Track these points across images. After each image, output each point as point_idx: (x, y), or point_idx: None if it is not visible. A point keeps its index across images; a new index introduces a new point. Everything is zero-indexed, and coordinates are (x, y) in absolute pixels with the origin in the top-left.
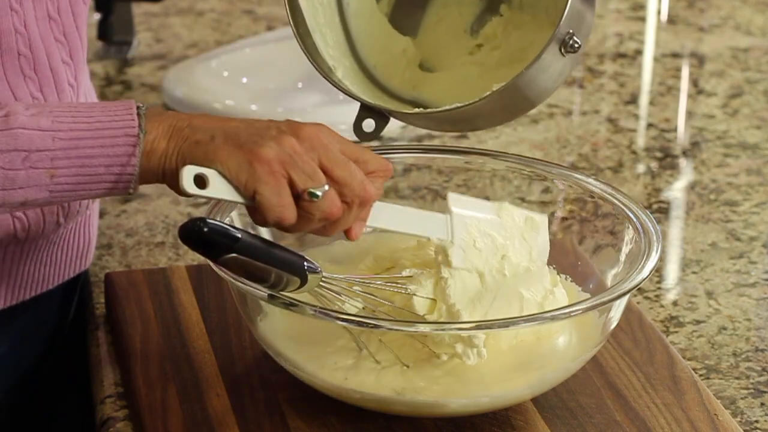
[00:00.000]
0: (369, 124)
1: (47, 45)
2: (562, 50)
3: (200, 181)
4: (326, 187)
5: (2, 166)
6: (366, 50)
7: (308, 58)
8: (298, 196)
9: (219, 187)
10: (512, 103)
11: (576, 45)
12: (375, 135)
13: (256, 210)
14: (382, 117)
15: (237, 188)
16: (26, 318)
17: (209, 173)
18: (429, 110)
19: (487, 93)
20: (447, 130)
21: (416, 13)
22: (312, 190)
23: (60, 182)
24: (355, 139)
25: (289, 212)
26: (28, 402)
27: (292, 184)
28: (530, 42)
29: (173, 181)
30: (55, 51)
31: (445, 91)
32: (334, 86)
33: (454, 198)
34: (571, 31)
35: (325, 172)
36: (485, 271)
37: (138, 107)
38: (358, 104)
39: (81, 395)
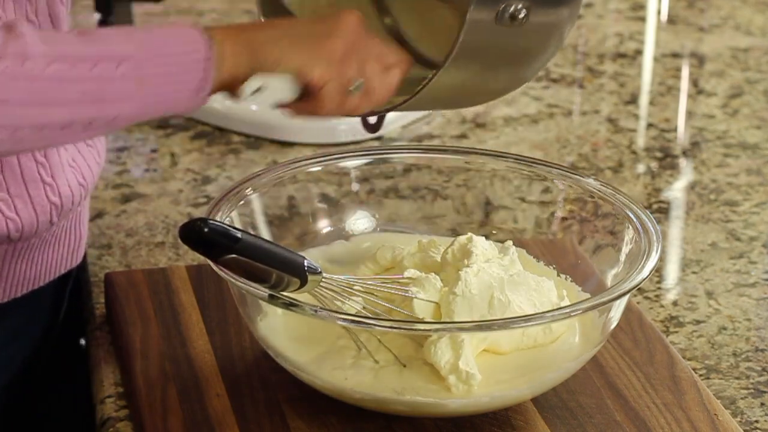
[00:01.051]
0: (373, 117)
1: None
2: (498, 21)
3: (258, 89)
4: (360, 83)
5: (93, 77)
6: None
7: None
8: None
9: (278, 90)
10: (468, 83)
11: (519, 15)
12: (378, 126)
13: (311, 102)
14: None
15: (301, 86)
16: (18, 315)
17: (271, 80)
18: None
19: (427, 78)
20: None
21: None
22: (357, 83)
23: (147, 92)
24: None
25: (339, 104)
26: (21, 401)
27: (347, 77)
28: None
29: (233, 90)
30: None
31: (420, 32)
32: None
33: None
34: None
35: (361, 66)
36: (494, 294)
37: (195, 24)
38: None
39: (78, 395)
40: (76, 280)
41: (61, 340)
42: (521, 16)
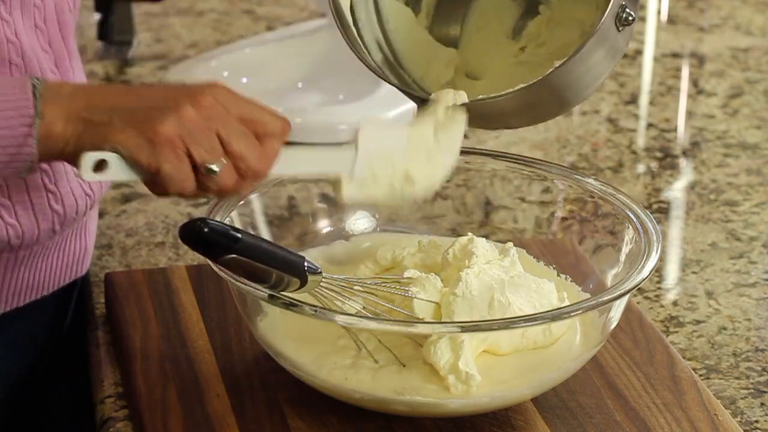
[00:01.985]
0: None
1: (37, 54)
2: (618, 24)
3: (100, 165)
4: (223, 162)
5: None
6: (410, 63)
7: (359, 56)
8: (195, 168)
9: (119, 169)
10: (565, 87)
11: (630, 18)
12: None
13: (156, 183)
14: None
15: (138, 168)
16: (21, 324)
17: (109, 157)
18: (481, 97)
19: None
20: (498, 125)
21: (455, 24)
22: (209, 166)
23: None
24: None
25: (189, 184)
26: (22, 408)
27: (190, 157)
28: (575, 37)
29: (73, 163)
30: (43, 60)
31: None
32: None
33: (364, 131)
34: (624, 3)
35: (222, 144)
36: (494, 296)
37: (34, 86)
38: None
39: (78, 396)
40: (81, 289)
41: (64, 347)
42: (631, 19)
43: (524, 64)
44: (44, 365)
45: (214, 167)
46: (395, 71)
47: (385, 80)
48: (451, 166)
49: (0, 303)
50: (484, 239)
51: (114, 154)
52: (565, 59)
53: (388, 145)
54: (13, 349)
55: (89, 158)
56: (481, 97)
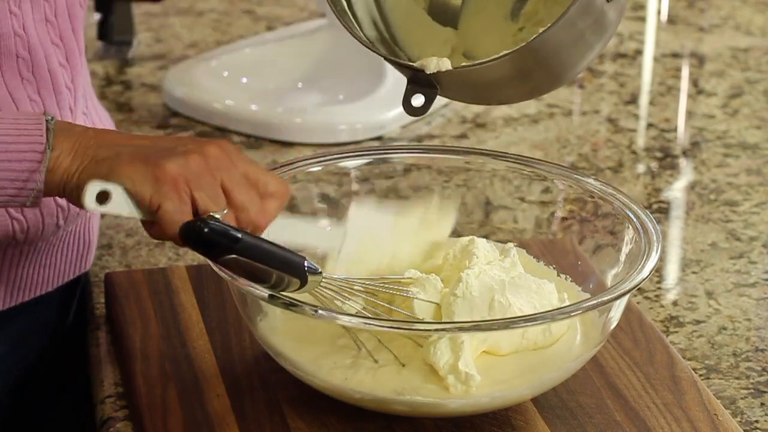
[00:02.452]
0: (418, 99)
1: (45, 48)
2: None
3: (102, 197)
4: (224, 212)
5: None
6: (407, 43)
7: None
8: (196, 214)
9: (121, 203)
10: (548, 59)
11: None
12: (425, 109)
13: (154, 224)
14: (431, 88)
15: (140, 203)
16: (25, 320)
17: (113, 188)
18: (475, 62)
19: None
20: (491, 98)
21: (454, 5)
22: (210, 214)
23: None
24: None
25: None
26: (25, 403)
27: (193, 203)
28: None
29: (72, 197)
30: (52, 54)
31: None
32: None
33: (354, 211)
34: None
35: (225, 193)
36: (495, 296)
37: (47, 121)
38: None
39: (78, 395)
40: (83, 286)
41: (67, 343)
42: None
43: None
44: (47, 362)
45: (216, 216)
46: (390, 49)
47: (372, 50)
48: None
49: (5, 297)
50: (484, 240)
51: (118, 187)
52: (548, 25)
53: (376, 226)
54: (16, 345)
55: (93, 187)
56: (464, 64)
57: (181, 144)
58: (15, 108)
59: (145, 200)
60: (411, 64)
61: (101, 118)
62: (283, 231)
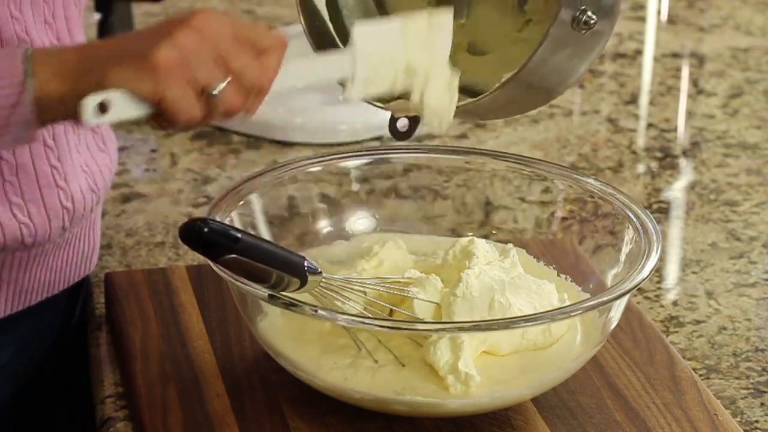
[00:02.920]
0: (402, 122)
1: None
2: (574, 26)
3: (102, 108)
4: (224, 84)
5: None
6: None
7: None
8: (199, 93)
9: (122, 107)
10: (534, 85)
11: (591, 21)
12: (410, 133)
13: (162, 116)
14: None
15: (141, 101)
16: (31, 323)
17: (110, 96)
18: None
19: (497, 84)
20: (483, 118)
21: None
22: (213, 88)
23: None
24: None
25: (195, 111)
26: (30, 405)
27: (192, 83)
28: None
29: (74, 118)
30: None
31: (493, 72)
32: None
33: (359, 31)
34: (583, 6)
35: (221, 63)
36: (495, 297)
37: (24, 51)
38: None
39: (78, 396)
40: (87, 287)
41: (72, 345)
42: (592, 21)
43: (524, 42)
44: (52, 364)
45: (216, 90)
46: None
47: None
48: (444, 59)
49: (14, 301)
50: (484, 240)
51: (116, 93)
52: (517, 69)
53: (384, 41)
54: (23, 347)
55: (91, 101)
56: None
57: (163, 27)
58: None
59: (146, 96)
60: (381, 106)
61: None
62: (289, 77)
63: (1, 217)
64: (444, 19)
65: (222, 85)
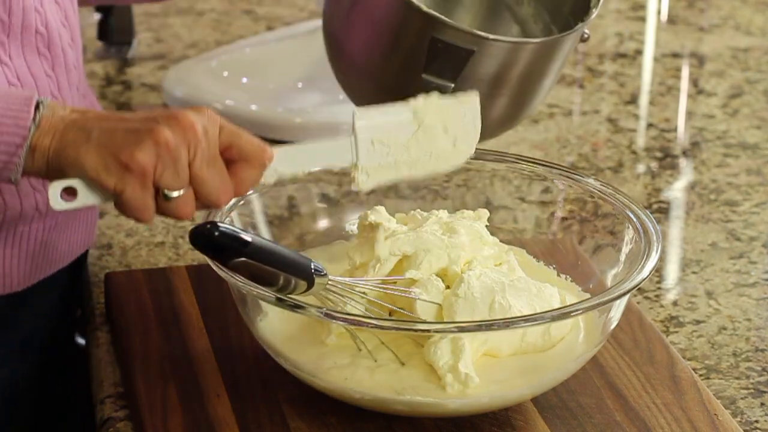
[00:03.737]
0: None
1: (57, 26)
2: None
3: (69, 191)
4: (181, 192)
5: None
6: None
7: None
8: (155, 193)
9: (87, 194)
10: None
11: (586, 36)
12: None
13: (116, 204)
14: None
15: (103, 191)
16: (44, 297)
17: (76, 183)
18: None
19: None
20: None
21: None
22: (167, 193)
23: None
24: None
25: (147, 211)
26: (40, 382)
27: (155, 183)
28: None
29: (50, 177)
30: (63, 33)
31: None
32: None
33: (359, 115)
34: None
35: (190, 166)
36: (495, 298)
37: (39, 101)
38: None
39: (78, 395)
40: (78, 274)
41: (77, 320)
42: (586, 37)
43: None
44: (63, 336)
45: (175, 194)
46: None
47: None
48: (470, 147)
49: (32, 274)
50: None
51: (80, 181)
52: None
53: (389, 129)
54: (36, 320)
55: (56, 188)
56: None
57: (152, 118)
58: (33, 83)
59: (108, 187)
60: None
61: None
62: (288, 162)
63: (21, 184)
64: (471, 100)
65: (178, 193)
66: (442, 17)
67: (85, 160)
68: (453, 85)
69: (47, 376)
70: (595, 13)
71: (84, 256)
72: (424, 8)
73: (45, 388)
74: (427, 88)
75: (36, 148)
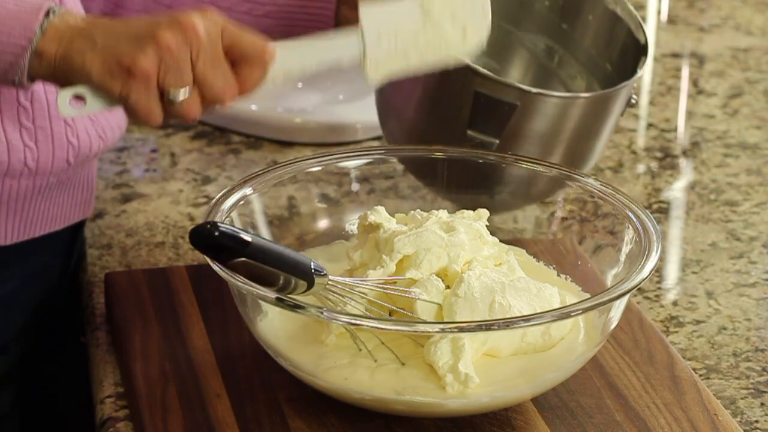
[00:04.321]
0: None
1: None
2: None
3: (79, 97)
4: (186, 92)
5: None
6: None
7: None
8: (160, 96)
9: (94, 101)
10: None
11: (633, 102)
12: None
13: (124, 109)
14: None
15: (110, 96)
16: (33, 259)
17: (83, 91)
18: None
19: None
20: None
21: None
22: (172, 97)
23: None
24: None
25: (153, 114)
26: (35, 345)
27: (158, 87)
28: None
29: (58, 83)
30: None
31: None
32: None
33: (364, 8)
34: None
35: (193, 66)
36: (495, 298)
37: (50, 9)
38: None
39: (78, 395)
40: (74, 274)
41: (73, 286)
42: (634, 102)
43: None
44: (57, 299)
45: (176, 96)
46: None
47: None
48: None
49: (18, 231)
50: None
51: (87, 88)
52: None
53: (394, 19)
54: (30, 280)
55: (64, 96)
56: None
57: (155, 22)
58: None
59: (113, 93)
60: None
61: None
62: (293, 59)
63: (11, 137)
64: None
65: (183, 94)
66: (484, 70)
67: (91, 66)
68: (498, 142)
69: (48, 316)
70: (639, 74)
71: (80, 228)
72: (467, 60)
73: (56, 325)
74: (472, 144)
75: (42, 53)
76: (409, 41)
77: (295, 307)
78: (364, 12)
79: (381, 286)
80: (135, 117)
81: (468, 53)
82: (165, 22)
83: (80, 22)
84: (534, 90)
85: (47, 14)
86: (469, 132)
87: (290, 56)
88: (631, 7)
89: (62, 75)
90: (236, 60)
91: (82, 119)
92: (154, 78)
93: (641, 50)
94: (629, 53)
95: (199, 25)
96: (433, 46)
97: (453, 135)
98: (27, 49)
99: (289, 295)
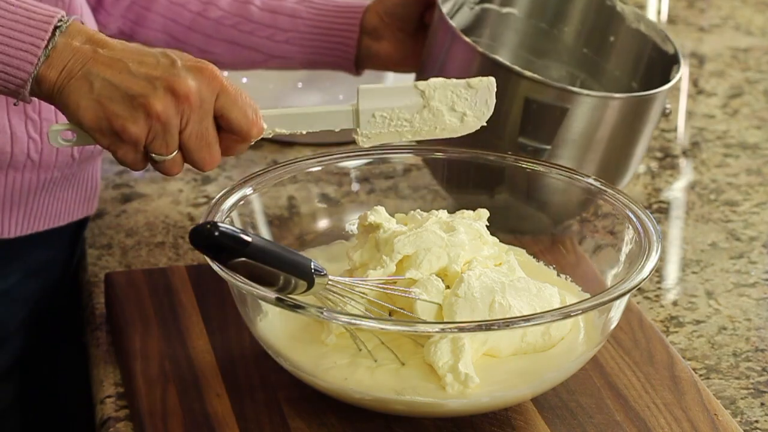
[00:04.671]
0: None
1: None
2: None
3: (68, 132)
4: (172, 155)
5: None
6: None
7: None
8: (145, 154)
9: (84, 139)
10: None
11: (667, 111)
12: None
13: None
14: None
15: (99, 144)
16: (38, 253)
17: (75, 128)
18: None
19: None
20: None
21: None
22: (156, 159)
23: None
24: None
25: (139, 167)
26: (36, 341)
27: (146, 146)
28: None
29: (56, 106)
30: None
31: None
32: None
33: (363, 95)
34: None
35: (180, 133)
36: (495, 298)
37: (58, 24)
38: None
39: (78, 396)
40: (76, 273)
41: (74, 282)
42: (668, 112)
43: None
44: (59, 295)
45: (163, 159)
46: None
47: None
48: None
49: (23, 225)
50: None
51: (78, 128)
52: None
53: (389, 99)
54: (33, 275)
55: (55, 130)
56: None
57: (151, 82)
58: None
59: (102, 146)
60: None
61: None
62: (285, 126)
63: (16, 128)
64: (486, 81)
65: (168, 157)
66: (535, 75)
67: (83, 116)
68: (549, 148)
69: (50, 311)
70: (677, 77)
71: (83, 226)
72: (516, 68)
73: (58, 320)
74: (523, 152)
75: (42, 80)
76: (404, 123)
77: (295, 307)
78: (363, 91)
79: (381, 286)
80: (120, 164)
81: (464, 133)
82: (162, 84)
83: (86, 47)
84: (584, 92)
85: (54, 32)
86: (521, 140)
87: (282, 123)
88: (654, 21)
89: (57, 105)
90: (224, 128)
91: None
92: (142, 143)
93: (670, 60)
94: (656, 66)
95: (194, 93)
96: (428, 127)
97: (501, 142)
98: (28, 82)
99: (289, 295)
